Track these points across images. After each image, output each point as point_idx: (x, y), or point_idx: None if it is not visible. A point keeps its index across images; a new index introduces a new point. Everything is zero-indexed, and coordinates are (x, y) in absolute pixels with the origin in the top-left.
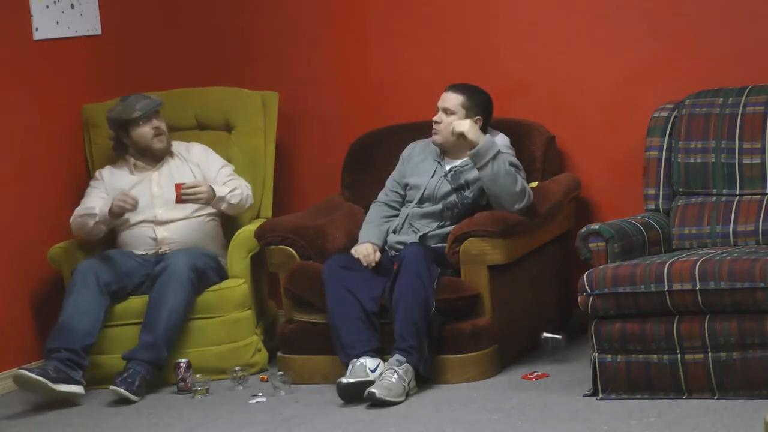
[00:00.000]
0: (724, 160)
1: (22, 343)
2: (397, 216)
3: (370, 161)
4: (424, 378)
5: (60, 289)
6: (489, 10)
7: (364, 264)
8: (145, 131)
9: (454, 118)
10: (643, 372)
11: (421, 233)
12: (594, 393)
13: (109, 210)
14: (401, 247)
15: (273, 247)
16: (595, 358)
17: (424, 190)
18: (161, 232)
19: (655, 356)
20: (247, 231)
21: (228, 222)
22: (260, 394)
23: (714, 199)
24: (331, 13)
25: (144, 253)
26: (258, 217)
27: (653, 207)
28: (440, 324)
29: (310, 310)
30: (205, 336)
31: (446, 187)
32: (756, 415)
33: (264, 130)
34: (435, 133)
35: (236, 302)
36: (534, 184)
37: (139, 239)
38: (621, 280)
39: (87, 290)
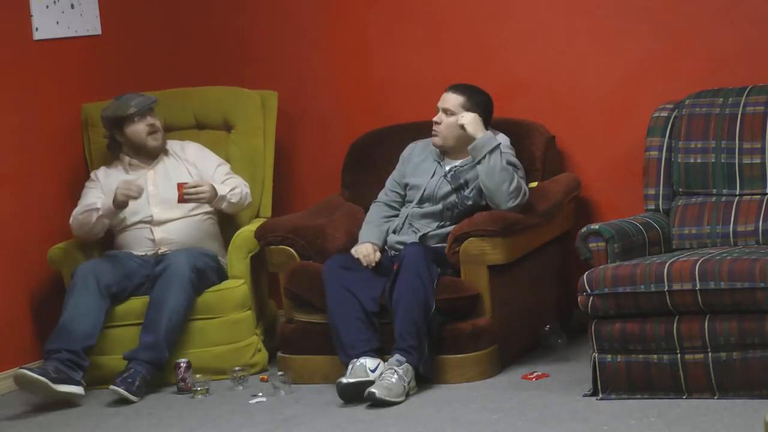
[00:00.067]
0: (724, 160)
1: (22, 343)
2: (397, 216)
3: (370, 161)
4: (424, 378)
5: (60, 289)
6: (489, 10)
7: (364, 264)
8: (139, 128)
9: (454, 118)
10: (643, 372)
11: (421, 233)
12: (594, 393)
13: (114, 201)
14: (401, 247)
15: (273, 247)
16: (595, 358)
17: (424, 191)
18: (159, 233)
19: (655, 356)
20: (246, 231)
21: (227, 222)
22: (260, 394)
23: (714, 199)
24: (331, 12)
25: (143, 254)
26: (257, 216)
27: (653, 207)
28: (440, 324)
29: (310, 310)
30: (206, 337)
31: (446, 187)
32: (756, 415)
33: (263, 129)
34: (434, 135)
35: (236, 303)
36: (534, 184)
37: (138, 241)
38: (621, 280)
39: (87, 292)
